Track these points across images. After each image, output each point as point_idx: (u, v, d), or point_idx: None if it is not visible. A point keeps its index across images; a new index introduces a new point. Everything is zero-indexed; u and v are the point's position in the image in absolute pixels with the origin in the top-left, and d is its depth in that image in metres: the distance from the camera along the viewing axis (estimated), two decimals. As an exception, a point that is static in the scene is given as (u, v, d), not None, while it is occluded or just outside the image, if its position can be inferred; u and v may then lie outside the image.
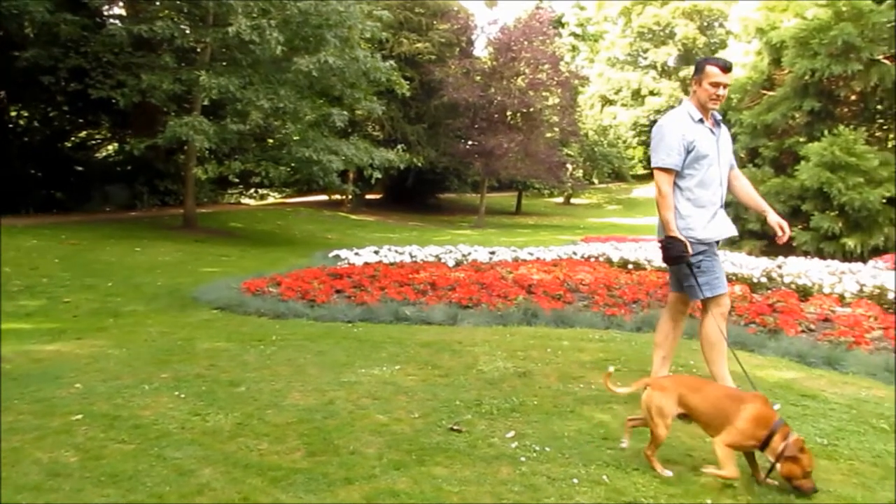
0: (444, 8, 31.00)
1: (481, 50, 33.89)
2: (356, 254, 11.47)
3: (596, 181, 48.43)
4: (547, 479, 3.17)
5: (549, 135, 33.25)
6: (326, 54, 15.01)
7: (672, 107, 45.68)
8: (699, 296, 4.16)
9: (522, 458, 3.40)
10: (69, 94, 18.49)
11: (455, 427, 3.80)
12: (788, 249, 11.21)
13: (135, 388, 4.42)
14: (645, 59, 52.06)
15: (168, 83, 14.81)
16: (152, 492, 3.02)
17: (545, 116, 32.25)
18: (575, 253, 12.18)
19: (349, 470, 3.25)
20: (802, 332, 6.49)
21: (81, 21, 15.25)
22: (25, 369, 4.95)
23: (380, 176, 19.02)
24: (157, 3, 17.06)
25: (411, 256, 11.31)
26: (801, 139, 13.34)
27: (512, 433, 3.74)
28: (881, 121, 14.46)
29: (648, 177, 50.99)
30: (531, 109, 30.64)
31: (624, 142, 50.15)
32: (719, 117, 4.31)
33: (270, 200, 32.46)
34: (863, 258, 11.12)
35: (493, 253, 11.80)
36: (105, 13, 18.62)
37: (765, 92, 14.78)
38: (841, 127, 12.36)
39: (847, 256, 11.43)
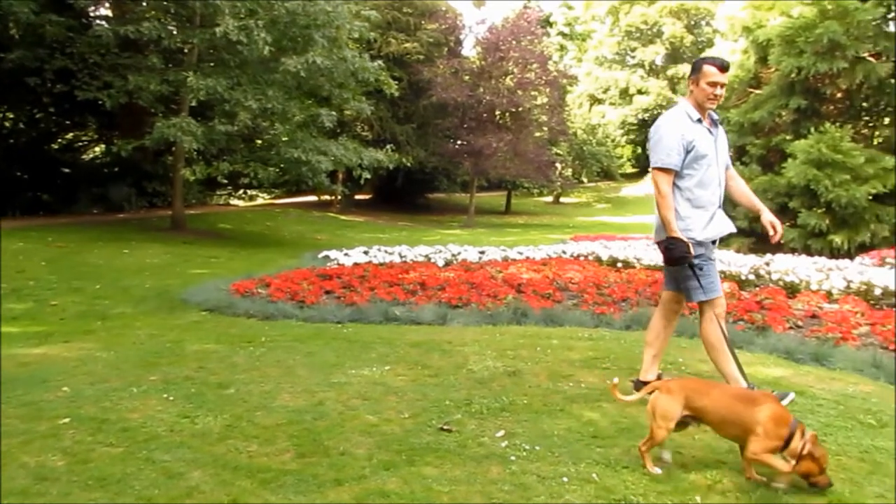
0: (432, 8, 30.98)
1: (469, 50, 33.93)
2: (346, 254, 11.45)
3: (585, 180, 48.46)
4: (537, 478, 3.18)
5: (538, 134, 33.27)
6: (314, 54, 14.97)
7: (661, 105, 46.01)
8: (697, 298, 4.15)
9: (512, 458, 3.40)
10: (55, 96, 18.37)
11: (445, 427, 3.80)
12: (776, 247, 11.25)
13: (123, 391, 4.40)
14: (633, 57, 52.19)
15: (155, 84, 14.74)
16: (141, 495, 3.00)
17: (534, 116, 32.28)
18: (564, 252, 12.20)
19: (339, 471, 3.24)
20: (790, 328, 6.53)
21: (67, 22, 15.15)
22: (12, 373, 4.91)
23: (369, 176, 18.99)
24: (144, 4, 16.97)
25: (401, 256, 11.31)
26: (788, 137, 13.43)
27: (502, 432, 3.74)
28: (867, 118, 14.58)
29: (637, 175, 51.30)
30: (520, 109, 30.66)
31: (612, 140, 50.23)
32: (716, 117, 4.31)
33: (259, 201, 32.34)
34: (850, 255, 11.20)
35: (482, 252, 11.81)
36: (91, 14, 18.50)
37: (751, 90, 14.86)
38: (827, 124, 12.45)
39: (834, 253, 11.50)
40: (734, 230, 4.35)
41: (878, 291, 7.68)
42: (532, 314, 7.04)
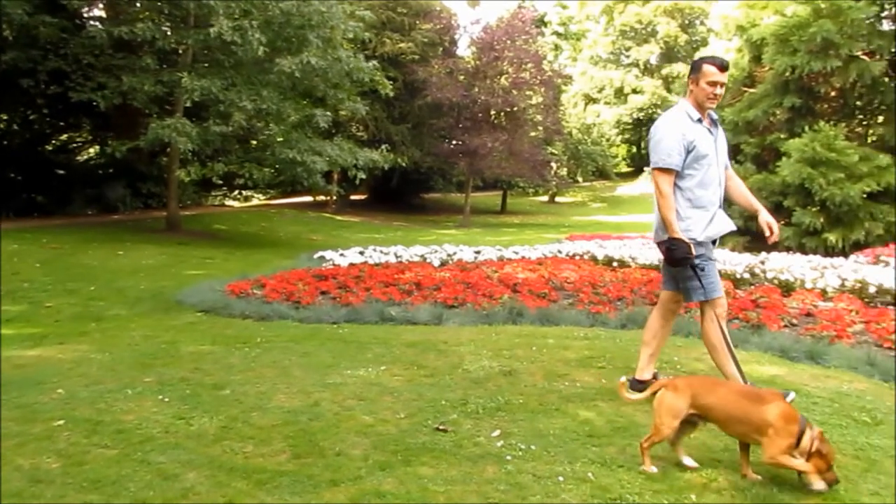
0: (426, 8, 30.97)
1: (464, 49, 33.91)
2: (341, 255, 11.42)
3: (580, 179, 48.48)
4: (532, 478, 3.18)
5: (533, 134, 33.30)
6: (309, 55, 14.94)
7: (656, 104, 45.98)
8: (698, 298, 4.14)
9: (508, 457, 3.41)
10: (49, 97, 18.29)
11: (441, 427, 3.80)
12: (771, 245, 11.30)
13: (118, 393, 4.39)
14: (627, 57, 52.25)
15: (149, 85, 14.70)
16: (136, 497, 3.00)
17: (529, 115, 32.28)
18: (560, 251, 12.20)
19: (335, 471, 3.24)
20: (785, 326, 6.55)
21: (61, 23, 15.10)
22: (7, 375, 4.89)
23: (364, 176, 18.94)
24: (138, 5, 16.93)
25: (396, 257, 11.30)
26: (783, 135, 13.46)
27: (497, 432, 3.74)
28: (860, 116, 14.63)
29: (632, 175, 51.25)
30: (515, 108, 30.67)
31: (607, 140, 50.31)
32: (716, 117, 4.30)
33: (255, 202, 32.29)
34: (844, 253, 11.22)
35: (478, 252, 11.80)
36: (85, 15, 18.43)
37: (746, 89, 14.89)
38: (821, 123, 12.48)
39: (829, 251, 11.53)
40: (734, 228, 4.34)
41: (872, 289, 7.70)
42: (528, 314, 7.05)
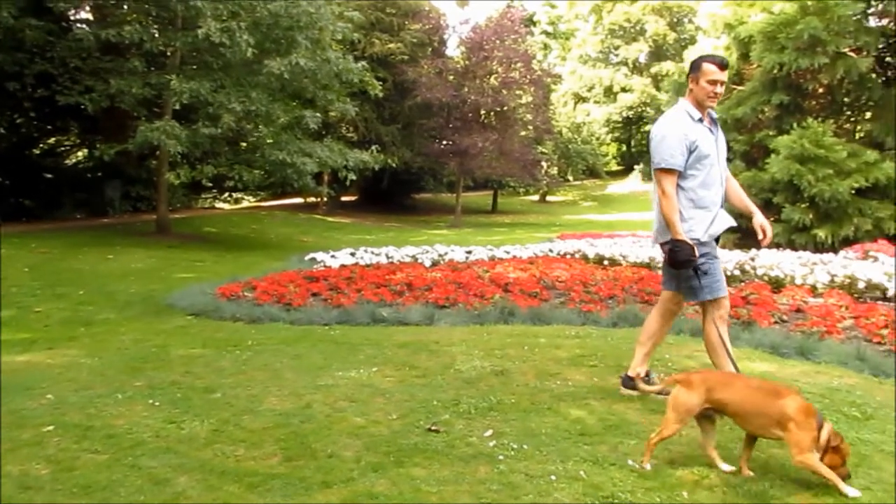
0: (415, 8, 30.97)
1: (453, 49, 33.94)
2: (332, 256, 11.41)
3: (571, 178, 48.57)
4: (525, 477, 3.18)
5: (523, 133, 33.34)
6: (298, 56, 14.91)
7: (645, 103, 46.02)
8: (703, 297, 4.11)
9: (500, 457, 3.40)
10: (36, 101, 18.22)
11: (433, 427, 3.80)
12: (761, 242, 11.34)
13: (108, 398, 4.36)
14: (616, 55, 52.37)
15: (137, 88, 14.64)
16: (127, 502, 2.98)
17: (519, 115, 32.33)
18: (551, 250, 12.22)
19: (327, 474, 3.22)
20: (775, 323, 6.58)
21: (47, 26, 15.03)
22: (-5, 381, 4.85)
23: (354, 177, 18.92)
24: (125, 7, 16.84)
25: (388, 257, 11.29)
26: (771, 132, 13.49)
27: (490, 432, 3.74)
28: (848, 113, 14.69)
29: (623, 173, 51.37)
30: (505, 108, 30.71)
31: (598, 139, 50.43)
32: (715, 116, 4.27)
33: (245, 204, 32.19)
34: (833, 248, 11.27)
35: (469, 252, 11.81)
36: (71, 18, 18.35)
37: (734, 87, 14.92)
38: (809, 120, 12.52)
39: (818, 247, 11.58)
40: (734, 224, 4.33)
41: (861, 285, 7.74)
42: (519, 313, 7.05)
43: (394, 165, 23.06)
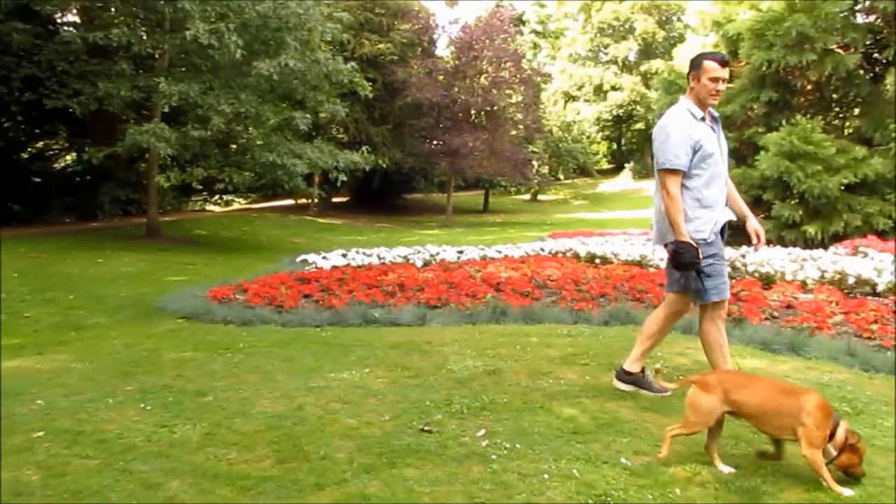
0: (404, 8, 30.95)
1: (443, 49, 33.93)
2: (324, 257, 11.38)
3: (562, 177, 48.66)
4: (518, 476, 3.18)
5: (513, 132, 33.36)
6: (287, 57, 14.89)
7: (635, 101, 46.07)
8: (707, 300, 4.08)
9: (493, 456, 3.40)
10: (24, 104, 18.12)
11: (426, 428, 3.79)
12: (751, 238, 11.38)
13: (99, 402, 4.33)
14: (606, 54, 52.43)
15: (126, 90, 14.59)
16: (118, 507, 2.96)
17: (509, 114, 32.35)
18: (543, 249, 12.23)
19: (320, 475, 3.22)
20: (766, 319, 6.60)
21: (34, 29, 14.96)
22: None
23: (345, 178, 18.91)
24: (113, 10, 16.77)
25: (379, 258, 11.27)
26: (760, 130, 13.56)
27: (482, 431, 3.74)
28: (837, 109, 14.77)
29: (613, 171, 51.43)
30: (495, 107, 30.73)
31: (588, 137, 50.50)
32: (716, 114, 4.23)
33: (236, 206, 32.09)
34: (823, 244, 11.33)
35: (461, 252, 11.79)
36: (58, 21, 18.28)
37: (723, 84, 14.97)
38: (798, 116, 12.58)
39: (808, 243, 11.63)
40: (734, 218, 4.31)
41: (851, 280, 7.78)
42: (511, 312, 7.05)
43: (384, 166, 23.02)
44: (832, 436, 3.04)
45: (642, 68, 49.49)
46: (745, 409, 3.21)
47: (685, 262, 3.96)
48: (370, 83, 20.56)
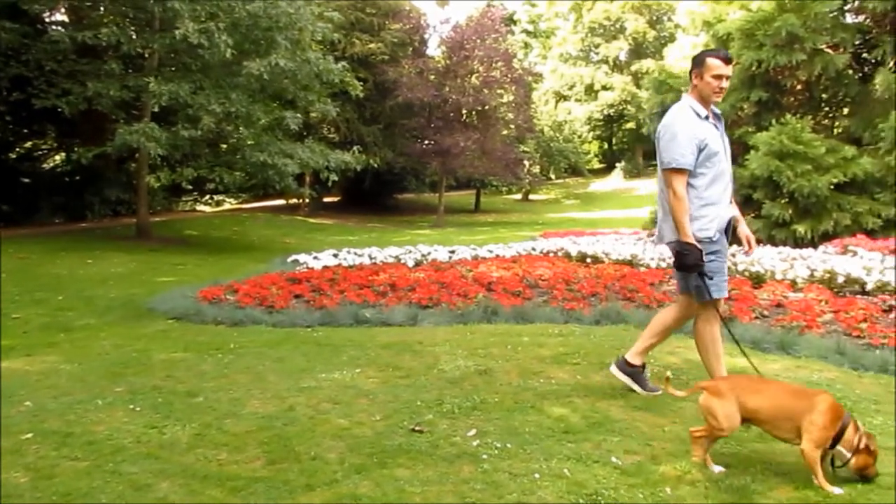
0: (395, 8, 30.93)
1: (434, 49, 33.95)
2: (315, 258, 11.35)
3: (553, 177, 48.73)
4: (509, 476, 3.18)
5: (504, 132, 33.39)
6: (277, 57, 14.85)
7: (626, 101, 46.16)
8: (706, 298, 4.06)
9: (484, 456, 3.40)
10: (12, 104, 17.97)
11: (417, 428, 3.79)
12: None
13: (88, 404, 4.31)
14: (597, 54, 52.49)
15: (115, 90, 14.52)
16: (107, 509, 2.94)
17: (500, 114, 32.38)
18: (534, 249, 12.25)
19: (310, 476, 3.21)
20: (756, 318, 6.63)
21: (22, 29, 14.87)
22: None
23: (336, 178, 18.86)
24: (101, 9, 16.69)
25: (371, 258, 11.25)
26: (751, 129, 13.58)
27: (473, 431, 3.74)
28: (826, 109, 14.82)
29: (604, 171, 51.51)
30: (486, 107, 30.75)
31: (579, 137, 50.56)
32: (718, 112, 4.21)
33: (226, 206, 32.00)
34: (813, 244, 11.37)
35: (452, 252, 11.79)
36: (47, 20, 18.17)
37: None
38: (788, 116, 12.61)
39: (798, 242, 11.66)
40: (737, 215, 4.31)
41: (841, 279, 7.81)
42: (502, 312, 7.05)
43: (376, 166, 23.00)
44: (837, 439, 3.03)
45: (633, 68, 49.60)
46: (758, 415, 3.18)
47: (688, 263, 3.95)
48: (361, 83, 20.52)
